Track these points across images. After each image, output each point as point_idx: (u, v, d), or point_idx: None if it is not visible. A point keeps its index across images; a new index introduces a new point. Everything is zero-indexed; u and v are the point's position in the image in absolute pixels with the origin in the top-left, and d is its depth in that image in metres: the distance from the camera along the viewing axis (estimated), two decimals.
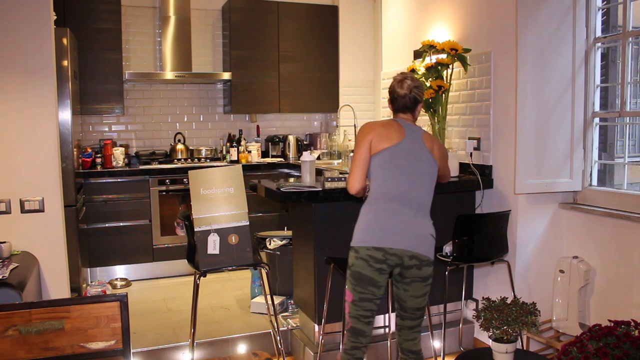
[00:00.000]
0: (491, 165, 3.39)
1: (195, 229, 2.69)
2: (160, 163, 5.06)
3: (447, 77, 3.50)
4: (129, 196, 4.73)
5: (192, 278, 3.05)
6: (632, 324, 1.83)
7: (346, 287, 2.40)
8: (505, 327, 2.29)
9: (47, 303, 1.82)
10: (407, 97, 2.48)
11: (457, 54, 3.39)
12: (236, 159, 5.31)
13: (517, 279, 3.22)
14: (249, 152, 5.41)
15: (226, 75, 5.25)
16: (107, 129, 5.27)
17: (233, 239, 2.73)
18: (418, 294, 2.39)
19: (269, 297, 3.06)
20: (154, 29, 5.35)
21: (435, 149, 2.50)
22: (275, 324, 3.07)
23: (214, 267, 2.73)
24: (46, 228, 3.18)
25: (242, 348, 3.37)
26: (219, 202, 2.73)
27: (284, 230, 4.52)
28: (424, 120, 3.90)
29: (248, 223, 2.76)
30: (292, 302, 3.79)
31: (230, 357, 1.85)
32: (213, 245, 2.70)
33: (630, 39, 2.96)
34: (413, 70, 3.64)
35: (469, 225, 2.93)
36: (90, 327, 1.81)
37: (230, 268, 2.86)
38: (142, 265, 4.83)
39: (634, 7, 2.97)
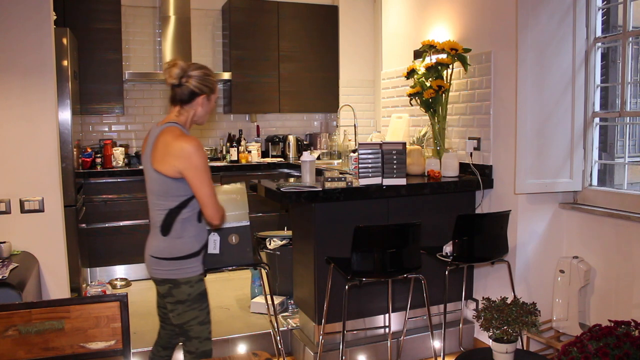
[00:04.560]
0: (491, 165, 3.39)
1: None
2: None
3: (447, 77, 3.50)
4: (129, 196, 4.73)
5: None
6: (632, 324, 1.83)
7: None
8: (505, 327, 2.29)
9: (47, 303, 1.82)
10: (175, 89, 2.19)
11: (457, 53, 3.39)
12: (236, 159, 5.30)
13: (517, 279, 3.22)
14: (249, 152, 5.41)
15: (226, 75, 5.25)
16: (107, 129, 5.27)
17: (233, 238, 2.73)
18: (170, 310, 2.30)
19: (269, 297, 3.06)
20: (154, 29, 5.35)
21: (160, 153, 2.13)
22: (275, 324, 3.07)
23: (214, 266, 2.73)
24: (46, 228, 3.18)
25: (242, 348, 3.37)
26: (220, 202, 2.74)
27: (284, 230, 4.52)
28: (424, 120, 3.91)
29: (249, 223, 2.76)
30: (292, 302, 3.79)
31: (230, 357, 1.84)
32: (213, 245, 2.70)
33: (630, 38, 2.96)
34: (413, 70, 3.64)
35: (469, 225, 2.93)
36: (90, 327, 1.81)
37: (230, 268, 2.86)
38: (142, 265, 4.75)
39: (634, 7, 2.97)
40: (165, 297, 2.29)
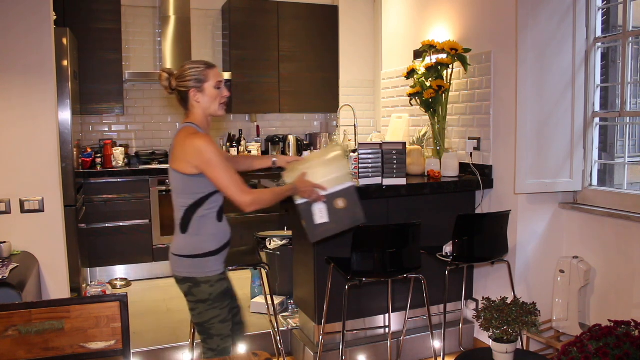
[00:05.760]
0: (491, 165, 3.39)
1: (297, 202, 2.52)
2: (160, 163, 5.05)
3: (447, 77, 3.50)
4: (129, 196, 4.73)
5: None
6: (632, 324, 1.83)
7: None
8: (505, 327, 2.29)
9: (47, 303, 1.82)
10: (174, 93, 2.28)
11: (457, 53, 3.39)
12: None
13: (517, 279, 3.22)
14: (249, 152, 5.41)
15: (226, 75, 5.25)
16: (107, 129, 5.27)
17: (340, 202, 2.52)
18: (191, 309, 2.31)
19: (269, 297, 3.06)
20: (154, 29, 5.35)
21: (176, 153, 2.19)
22: (275, 324, 3.07)
23: (326, 235, 2.56)
24: (46, 228, 3.18)
25: (242, 348, 3.36)
26: (318, 168, 2.53)
27: (284, 230, 4.52)
28: (424, 120, 3.91)
29: (353, 184, 2.56)
30: (292, 302, 3.79)
31: (230, 357, 1.84)
32: (320, 214, 2.52)
33: (630, 38, 2.96)
34: (413, 70, 3.64)
35: (469, 225, 2.93)
36: (90, 327, 1.81)
37: (230, 268, 2.86)
38: (142, 265, 4.83)
39: (634, 7, 2.97)
40: (186, 296, 2.30)
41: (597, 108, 3.19)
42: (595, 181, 3.22)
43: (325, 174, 2.50)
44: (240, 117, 5.70)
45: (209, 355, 2.32)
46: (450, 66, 3.48)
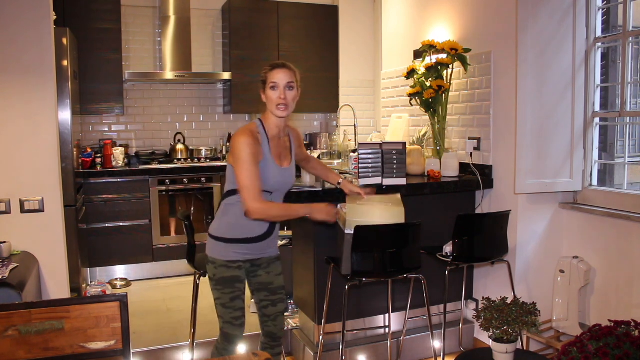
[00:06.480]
0: (491, 165, 3.39)
1: (347, 231, 2.63)
2: (160, 163, 5.06)
3: (447, 77, 3.50)
4: (129, 196, 4.73)
5: (192, 278, 3.05)
6: (632, 324, 1.83)
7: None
8: (505, 327, 2.28)
9: (47, 303, 1.82)
10: None
11: (457, 53, 3.39)
12: None
13: (517, 279, 3.22)
14: None
15: (226, 75, 5.25)
16: (107, 129, 5.27)
17: None
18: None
19: None
20: (154, 29, 5.35)
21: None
22: None
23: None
24: (46, 228, 3.17)
25: (242, 348, 3.36)
26: (374, 205, 2.67)
27: (284, 230, 4.52)
28: (424, 120, 3.91)
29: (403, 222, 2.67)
30: (292, 302, 3.79)
31: (230, 357, 1.84)
32: None
33: (630, 38, 2.96)
34: (413, 70, 3.64)
35: (469, 225, 2.92)
36: (90, 327, 1.81)
37: None
38: (142, 265, 4.83)
39: (634, 7, 2.97)
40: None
41: (597, 108, 3.19)
42: (595, 181, 3.22)
43: (380, 217, 2.63)
44: (240, 117, 5.70)
45: (221, 333, 2.49)
46: (450, 66, 3.48)
